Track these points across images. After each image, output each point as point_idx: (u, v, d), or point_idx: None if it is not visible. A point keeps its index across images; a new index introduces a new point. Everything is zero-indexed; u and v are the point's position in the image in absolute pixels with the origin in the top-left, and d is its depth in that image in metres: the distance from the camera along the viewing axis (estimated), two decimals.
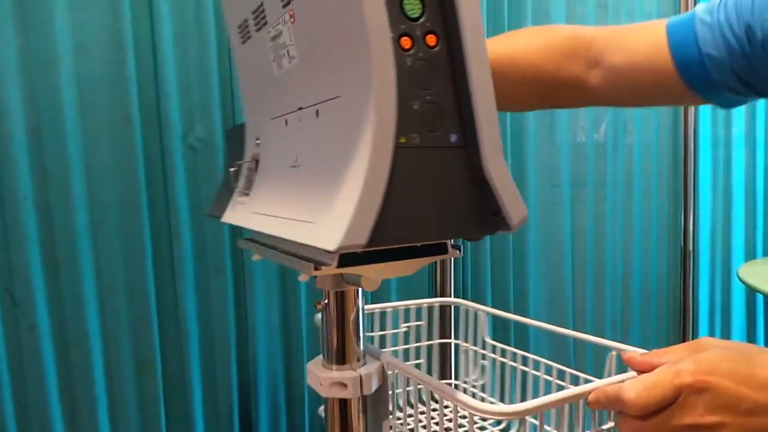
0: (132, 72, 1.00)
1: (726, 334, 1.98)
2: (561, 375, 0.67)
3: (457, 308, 0.83)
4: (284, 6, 0.44)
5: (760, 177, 1.95)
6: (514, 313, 0.78)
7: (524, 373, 0.72)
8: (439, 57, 0.37)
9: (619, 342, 0.60)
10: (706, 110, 1.83)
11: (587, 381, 0.63)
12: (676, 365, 0.45)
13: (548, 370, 0.68)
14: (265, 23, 0.48)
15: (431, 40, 0.37)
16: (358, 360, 0.51)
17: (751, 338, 2.02)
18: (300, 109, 0.46)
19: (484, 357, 0.77)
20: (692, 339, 1.86)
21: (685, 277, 1.85)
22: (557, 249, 1.54)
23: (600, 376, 0.60)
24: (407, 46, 0.36)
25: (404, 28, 0.36)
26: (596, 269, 1.65)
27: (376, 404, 0.51)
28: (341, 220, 0.35)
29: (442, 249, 0.44)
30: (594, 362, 1.53)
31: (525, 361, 0.71)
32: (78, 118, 0.97)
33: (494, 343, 0.77)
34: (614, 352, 0.60)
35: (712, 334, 1.96)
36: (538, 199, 1.49)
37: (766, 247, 2.00)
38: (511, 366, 0.73)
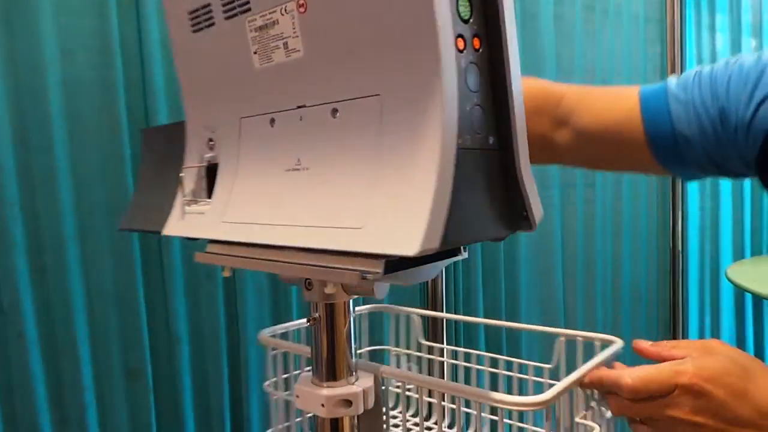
0: (119, 76, 0.99)
1: (715, 333, 2.00)
2: (508, 365, 0.69)
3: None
4: None
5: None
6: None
7: (468, 369, 0.72)
8: (483, 60, 0.38)
9: (570, 329, 0.65)
10: None
11: (537, 368, 0.67)
12: (678, 365, 0.49)
13: (494, 363, 0.70)
14: (248, 10, 0.44)
15: (476, 43, 0.37)
16: (351, 374, 0.49)
17: (739, 336, 2.04)
18: (300, 107, 0.43)
19: (419, 360, 0.78)
20: (682, 338, 1.88)
21: (674, 277, 1.86)
22: (548, 250, 1.55)
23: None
24: (461, 47, 0.36)
25: (459, 29, 0.36)
26: (586, 270, 1.66)
27: (374, 420, 0.49)
28: (414, 224, 0.34)
29: (455, 250, 0.44)
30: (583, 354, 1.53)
31: (468, 357, 0.73)
32: (65, 123, 0.96)
33: (430, 344, 0.78)
34: (562, 338, 0.64)
35: (701, 333, 1.98)
36: None
37: (753, 247, 2.01)
38: (452, 364, 0.75)
